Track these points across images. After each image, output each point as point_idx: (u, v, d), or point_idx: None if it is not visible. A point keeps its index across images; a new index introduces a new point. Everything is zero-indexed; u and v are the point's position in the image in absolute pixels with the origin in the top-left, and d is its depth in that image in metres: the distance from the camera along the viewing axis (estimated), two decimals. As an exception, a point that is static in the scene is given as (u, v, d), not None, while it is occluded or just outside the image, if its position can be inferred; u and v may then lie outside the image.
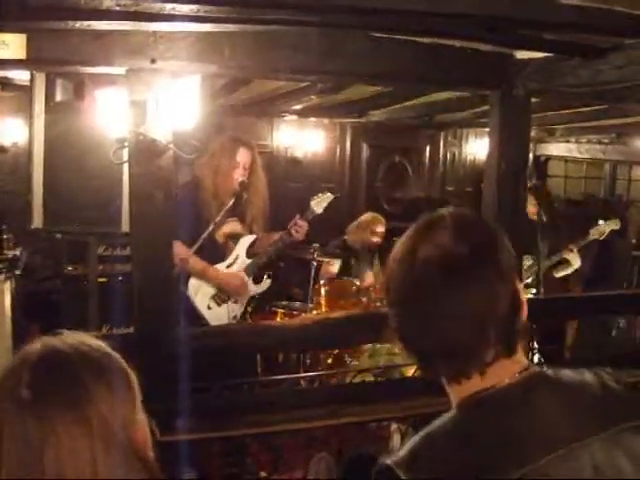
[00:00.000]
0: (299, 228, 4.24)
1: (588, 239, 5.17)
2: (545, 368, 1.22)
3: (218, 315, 4.14)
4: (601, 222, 5.30)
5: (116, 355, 1.15)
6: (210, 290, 4.15)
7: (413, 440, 1.15)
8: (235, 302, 4.20)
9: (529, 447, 1.09)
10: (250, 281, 4.26)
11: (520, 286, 1.22)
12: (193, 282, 4.11)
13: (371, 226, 5.67)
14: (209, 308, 4.14)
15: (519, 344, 1.21)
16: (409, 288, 1.19)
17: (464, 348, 1.16)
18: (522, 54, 3.25)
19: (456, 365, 1.18)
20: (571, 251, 5.04)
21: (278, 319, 4.99)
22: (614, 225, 5.28)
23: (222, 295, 4.17)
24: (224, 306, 4.17)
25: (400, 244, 1.24)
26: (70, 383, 1.05)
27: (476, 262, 1.16)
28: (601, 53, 2.93)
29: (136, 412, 1.12)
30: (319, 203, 4.33)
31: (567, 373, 1.22)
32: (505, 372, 1.18)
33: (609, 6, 2.29)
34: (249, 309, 4.40)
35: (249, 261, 4.24)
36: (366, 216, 5.85)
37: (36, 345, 1.10)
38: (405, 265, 1.20)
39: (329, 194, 4.36)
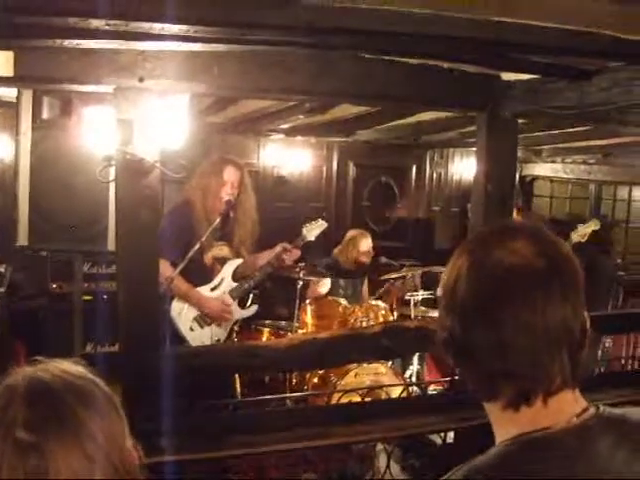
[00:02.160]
0: (290, 254, 4.21)
1: (570, 242, 5.15)
2: (602, 408, 1.11)
3: (201, 337, 4.09)
4: (580, 225, 5.32)
5: (99, 380, 1.15)
6: (193, 312, 4.10)
7: (456, 474, 1.06)
8: (219, 325, 4.16)
9: None
10: (235, 304, 4.22)
11: (586, 313, 1.11)
12: (176, 303, 4.06)
13: (355, 243, 5.68)
14: (191, 330, 4.08)
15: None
16: (481, 294, 1.07)
17: (535, 368, 1.05)
18: (508, 75, 3.28)
19: (522, 387, 1.06)
20: None
21: (264, 338, 4.97)
22: (594, 226, 5.29)
23: (205, 317, 4.12)
24: (207, 329, 4.11)
25: (466, 248, 1.13)
26: (64, 418, 1.05)
27: (557, 277, 1.06)
28: (587, 75, 2.96)
29: (126, 436, 1.13)
30: (311, 230, 4.30)
31: (622, 412, 1.12)
32: (566, 410, 1.08)
33: (595, 30, 2.32)
34: (235, 328, 4.37)
35: (235, 284, 4.20)
36: (351, 233, 5.85)
37: (19, 378, 1.08)
38: (478, 269, 1.08)
39: (322, 222, 4.33)
